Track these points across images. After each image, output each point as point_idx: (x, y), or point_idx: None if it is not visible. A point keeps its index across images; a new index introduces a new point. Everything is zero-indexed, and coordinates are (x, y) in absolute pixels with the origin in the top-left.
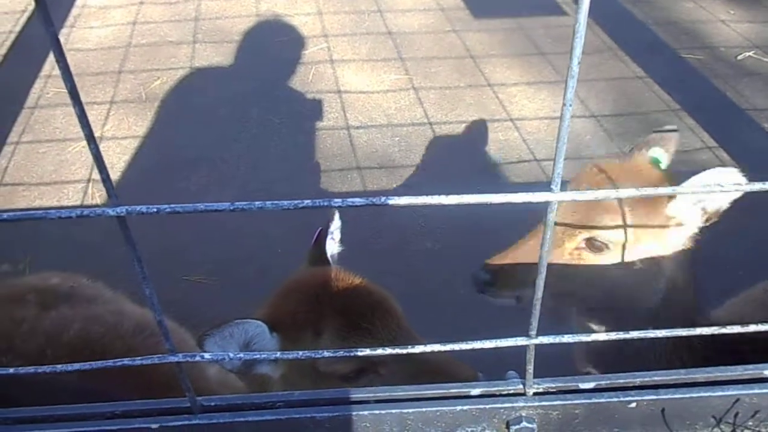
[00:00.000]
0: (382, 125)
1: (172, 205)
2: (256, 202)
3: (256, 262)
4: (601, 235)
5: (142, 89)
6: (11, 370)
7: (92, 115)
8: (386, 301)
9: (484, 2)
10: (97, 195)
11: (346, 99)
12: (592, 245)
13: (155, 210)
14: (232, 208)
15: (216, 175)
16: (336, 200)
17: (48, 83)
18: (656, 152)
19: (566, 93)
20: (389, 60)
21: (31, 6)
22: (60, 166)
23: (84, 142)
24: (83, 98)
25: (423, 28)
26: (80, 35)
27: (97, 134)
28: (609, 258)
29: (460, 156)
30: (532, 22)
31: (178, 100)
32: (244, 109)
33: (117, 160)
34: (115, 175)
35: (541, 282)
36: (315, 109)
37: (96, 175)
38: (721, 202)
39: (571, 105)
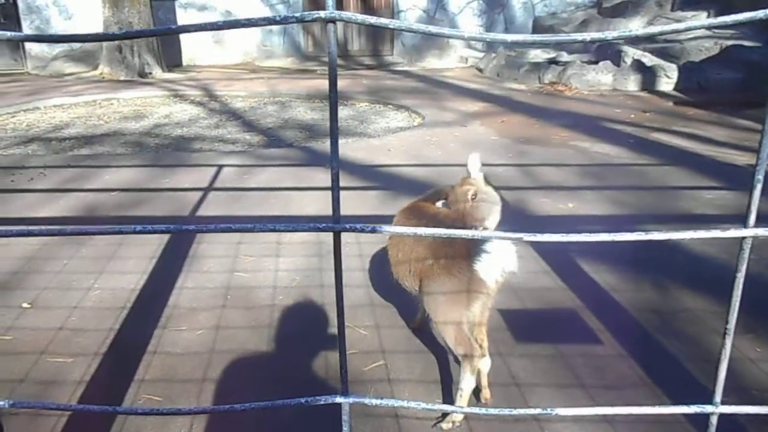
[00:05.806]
0: None
1: None
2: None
3: None
4: None
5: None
6: None
7: (176, 426)
8: None
9: (525, 326)
10: None
11: (403, 425)
12: None
13: None
14: None
15: None
16: None
17: (141, 388)
18: None
19: None
20: (446, 384)
21: (130, 303)
22: None
23: None
24: (169, 404)
25: None
26: (170, 338)
27: None
28: None
29: None
30: (571, 349)
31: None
32: None
33: None
34: None
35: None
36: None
37: None
38: None
39: None
